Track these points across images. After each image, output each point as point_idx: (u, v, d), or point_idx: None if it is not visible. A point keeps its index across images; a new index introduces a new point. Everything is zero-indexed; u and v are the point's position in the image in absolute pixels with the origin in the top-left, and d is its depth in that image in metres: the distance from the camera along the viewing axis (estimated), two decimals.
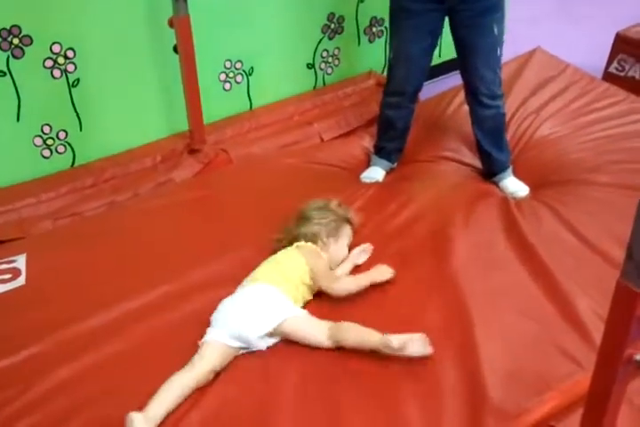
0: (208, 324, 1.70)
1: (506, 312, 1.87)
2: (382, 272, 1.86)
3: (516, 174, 2.48)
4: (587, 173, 2.45)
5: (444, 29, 2.30)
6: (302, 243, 1.84)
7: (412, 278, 1.94)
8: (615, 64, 3.21)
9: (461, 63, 2.34)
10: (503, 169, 2.45)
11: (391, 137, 2.49)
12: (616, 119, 2.74)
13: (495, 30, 2.21)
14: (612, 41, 3.24)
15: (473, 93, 2.35)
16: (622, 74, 3.19)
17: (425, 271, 1.98)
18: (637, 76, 3.14)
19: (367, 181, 2.46)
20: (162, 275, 1.93)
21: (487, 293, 1.93)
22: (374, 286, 1.85)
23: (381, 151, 2.52)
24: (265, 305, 1.68)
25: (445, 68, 3.06)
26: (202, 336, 1.67)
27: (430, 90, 2.85)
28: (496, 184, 2.46)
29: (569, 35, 3.82)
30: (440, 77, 3.17)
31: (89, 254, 2.01)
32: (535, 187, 2.45)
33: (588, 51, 3.48)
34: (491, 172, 2.47)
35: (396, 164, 2.55)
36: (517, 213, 2.24)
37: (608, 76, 3.22)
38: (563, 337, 1.78)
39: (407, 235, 2.11)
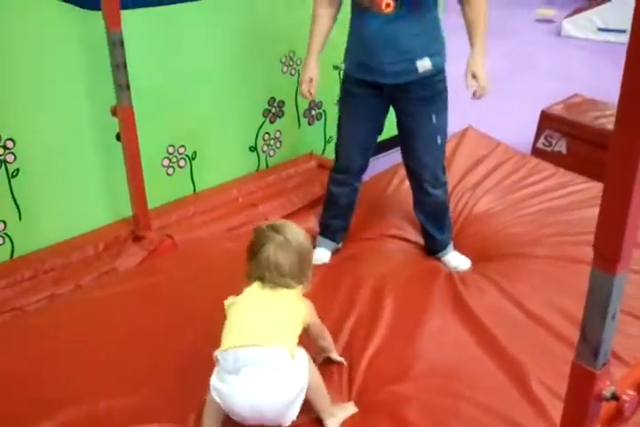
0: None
1: (460, 390, 1.87)
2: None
3: (458, 248, 2.55)
4: (525, 247, 2.53)
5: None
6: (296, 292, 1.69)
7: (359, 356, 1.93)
8: (542, 140, 3.39)
9: (403, 148, 2.38)
10: (444, 247, 2.52)
11: (335, 214, 2.51)
12: (548, 193, 2.87)
13: (434, 119, 2.25)
14: (537, 117, 3.43)
15: (415, 180, 2.40)
16: (549, 149, 3.37)
17: (376, 350, 1.98)
18: (564, 151, 3.32)
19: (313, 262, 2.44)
20: (113, 374, 1.85)
21: (439, 371, 1.93)
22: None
23: (326, 230, 2.55)
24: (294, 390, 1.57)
25: (387, 144, 3.14)
26: None
27: (373, 166, 2.92)
28: (439, 259, 2.52)
29: (497, 111, 4.02)
30: (382, 154, 3.25)
31: (30, 354, 1.92)
32: (477, 260, 2.51)
33: (516, 127, 3.67)
34: (433, 250, 2.53)
35: (341, 244, 2.57)
36: (463, 289, 2.28)
37: (536, 151, 3.40)
38: (518, 413, 1.79)
39: (356, 315, 2.11)
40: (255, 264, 1.66)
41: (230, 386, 1.52)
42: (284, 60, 2.98)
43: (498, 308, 2.18)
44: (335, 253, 2.54)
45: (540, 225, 2.64)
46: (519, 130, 3.59)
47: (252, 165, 3.06)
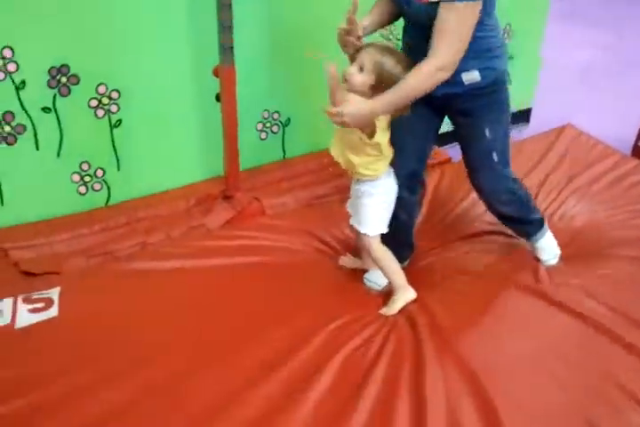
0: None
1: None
2: None
3: None
4: (615, 247, 2.44)
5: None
6: None
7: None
8: None
9: (463, 160, 2.16)
10: (531, 235, 2.34)
11: (394, 230, 2.12)
12: None
13: (487, 133, 2.02)
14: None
15: (479, 195, 2.20)
16: None
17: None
18: None
19: (368, 284, 2.24)
20: (197, 328, 1.92)
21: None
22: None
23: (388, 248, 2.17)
24: None
25: None
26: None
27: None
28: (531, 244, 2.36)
29: (598, 106, 3.89)
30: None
31: (122, 299, 2.01)
32: (566, 258, 2.42)
33: (618, 124, 3.54)
34: (521, 236, 2.40)
35: (406, 263, 2.30)
36: (549, 284, 2.21)
37: (638, 150, 3.26)
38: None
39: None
40: None
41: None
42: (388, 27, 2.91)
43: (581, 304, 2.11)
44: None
45: (630, 226, 2.56)
46: (621, 127, 3.46)
47: None
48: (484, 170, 2.10)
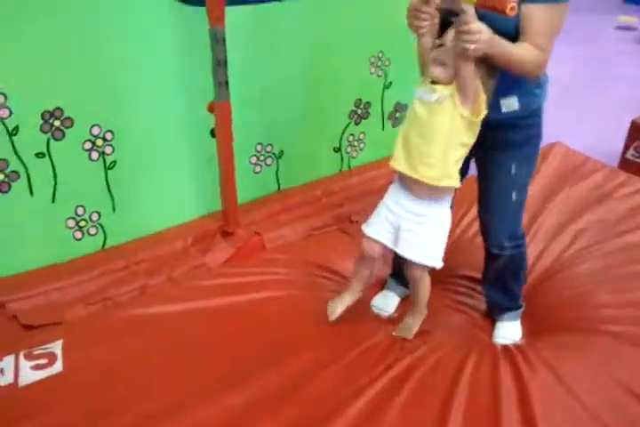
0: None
1: None
2: None
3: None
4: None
5: None
6: None
7: None
8: (632, 151, 3.28)
9: (478, 196, 2.07)
10: (502, 311, 2.20)
11: None
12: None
13: (513, 170, 1.91)
14: (620, 127, 3.33)
15: (482, 233, 2.09)
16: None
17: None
18: None
19: (376, 311, 2.24)
20: (210, 371, 1.86)
21: None
22: None
23: (398, 271, 2.19)
24: None
25: None
26: None
27: None
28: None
29: (580, 120, 3.93)
30: None
31: (127, 348, 1.94)
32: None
33: (600, 137, 3.58)
34: (488, 311, 2.26)
35: None
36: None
37: (625, 162, 3.29)
38: None
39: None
40: None
41: None
42: (372, 61, 2.96)
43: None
44: (406, 299, 2.25)
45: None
46: (603, 140, 3.50)
47: (334, 165, 3.04)
48: (500, 210, 2.00)
